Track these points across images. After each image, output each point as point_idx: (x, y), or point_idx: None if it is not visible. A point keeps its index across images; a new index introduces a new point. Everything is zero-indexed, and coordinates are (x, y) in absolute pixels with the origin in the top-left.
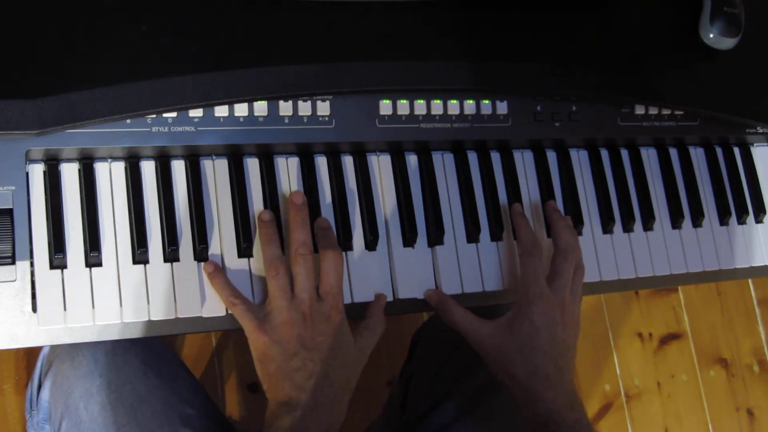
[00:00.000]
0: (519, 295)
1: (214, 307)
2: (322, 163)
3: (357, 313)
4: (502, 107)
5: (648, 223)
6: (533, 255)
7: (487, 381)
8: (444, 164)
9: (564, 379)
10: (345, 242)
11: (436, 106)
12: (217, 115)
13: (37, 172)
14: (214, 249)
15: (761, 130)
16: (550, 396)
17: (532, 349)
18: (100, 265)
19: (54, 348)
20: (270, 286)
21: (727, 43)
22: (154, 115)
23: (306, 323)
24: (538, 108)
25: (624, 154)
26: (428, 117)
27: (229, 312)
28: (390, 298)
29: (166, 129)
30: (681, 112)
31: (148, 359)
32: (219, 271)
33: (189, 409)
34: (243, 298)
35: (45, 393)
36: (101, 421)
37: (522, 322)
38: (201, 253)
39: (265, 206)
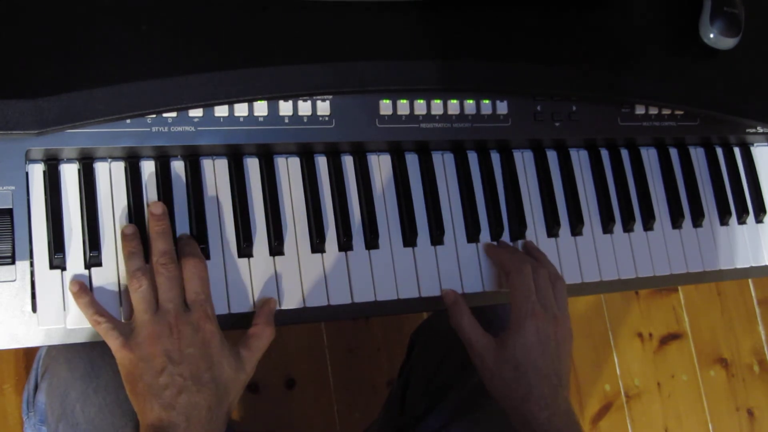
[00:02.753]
0: (511, 314)
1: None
2: (322, 163)
3: (359, 313)
4: (502, 107)
5: (648, 223)
6: (522, 272)
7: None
8: (444, 164)
9: (559, 399)
10: (345, 242)
11: (436, 106)
12: (217, 115)
13: (37, 172)
14: (213, 248)
15: (761, 130)
16: (546, 417)
17: (525, 369)
18: (99, 265)
19: (50, 349)
20: (133, 299)
21: (727, 43)
22: (154, 115)
23: (173, 335)
24: (538, 108)
25: (624, 154)
26: (428, 117)
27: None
28: (391, 297)
29: (166, 129)
30: (681, 112)
31: None
32: (83, 290)
33: None
34: (108, 316)
35: (41, 395)
36: (98, 423)
37: (515, 340)
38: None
39: (266, 206)
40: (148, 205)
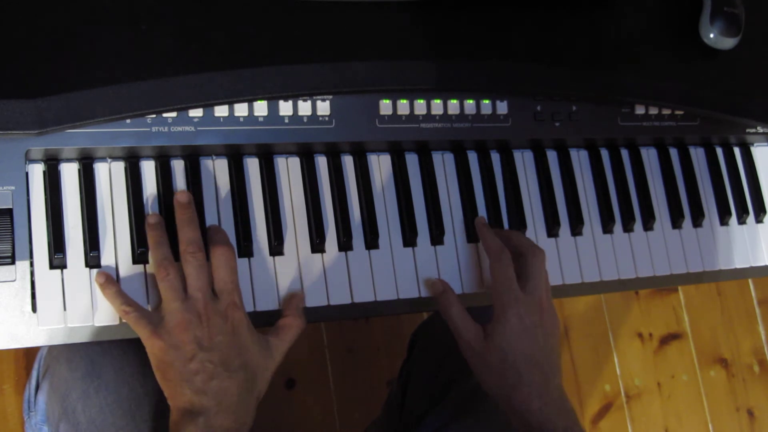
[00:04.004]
0: (493, 305)
1: None
2: (322, 163)
3: (359, 313)
4: (502, 107)
5: (648, 223)
6: (501, 260)
7: None
8: (444, 164)
9: (551, 386)
10: (345, 242)
11: (436, 106)
12: (217, 115)
13: (36, 172)
14: None
15: (761, 130)
16: (538, 406)
17: (514, 359)
18: (99, 265)
19: (51, 349)
20: (161, 288)
21: (727, 43)
22: (154, 115)
23: (202, 323)
24: (538, 108)
25: (624, 154)
26: (428, 117)
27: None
28: (391, 297)
29: (166, 129)
30: (681, 112)
31: (146, 360)
32: (110, 281)
33: None
34: (135, 305)
35: (42, 395)
36: (99, 423)
37: (501, 331)
38: None
39: (266, 207)
40: (174, 194)
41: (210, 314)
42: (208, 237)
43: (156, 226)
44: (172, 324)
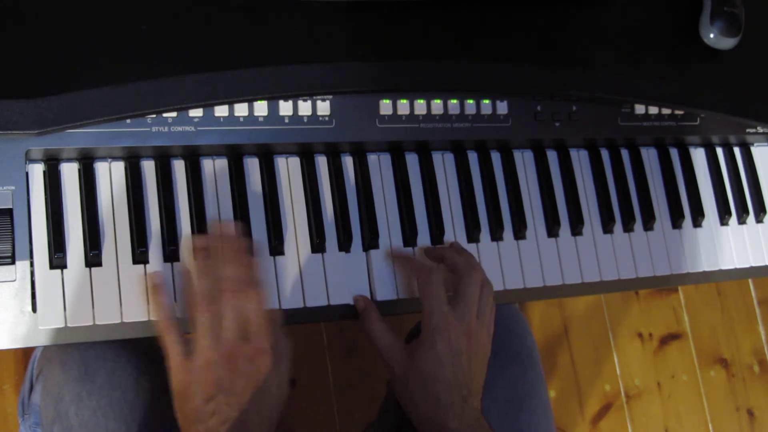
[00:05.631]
0: (422, 325)
1: None
2: (322, 163)
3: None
4: (502, 107)
5: (648, 222)
6: (430, 282)
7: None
8: (444, 164)
9: (468, 407)
10: (345, 242)
11: (436, 106)
12: (217, 115)
13: (37, 172)
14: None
15: (761, 130)
16: (455, 426)
17: (435, 382)
18: (100, 264)
19: (45, 351)
20: (197, 322)
21: (727, 43)
22: (154, 115)
23: (227, 366)
24: (538, 108)
25: (624, 154)
26: (428, 117)
27: None
28: (391, 297)
29: (166, 129)
30: (681, 112)
31: (140, 364)
32: (163, 289)
33: None
34: (176, 328)
35: (36, 397)
36: (92, 427)
37: (425, 354)
38: None
39: (266, 207)
40: (220, 223)
41: (237, 357)
42: (243, 271)
43: (204, 253)
44: (200, 361)
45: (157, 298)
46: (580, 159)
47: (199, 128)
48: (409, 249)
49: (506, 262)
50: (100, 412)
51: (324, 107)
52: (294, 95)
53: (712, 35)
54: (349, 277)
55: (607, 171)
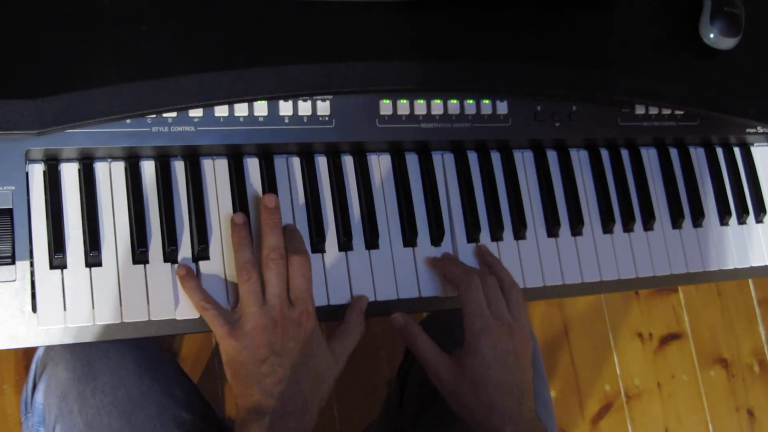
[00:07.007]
0: (465, 332)
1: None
2: (322, 163)
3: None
4: (502, 107)
5: (648, 223)
6: (470, 288)
7: None
8: (444, 164)
9: (523, 409)
10: (345, 242)
11: (436, 106)
12: (217, 115)
13: (37, 172)
14: (214, 248)
15: (761, 130)
16: (511, 429)
17: (485, 386)
18: (100, 265)
19: (48, 350)
20: (241, 291)
21: (727, 43)
22: (154, 115)
23: (276, 329)
24: (538, 108)
25: (624, 154)
26: (428, 117)
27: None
28: (391, 297)
29: (166, 129)
30: (681, 112)
31: (143, 362)
32: (191, 275)
33: (184, 412)
34: (214, 303)
35: (39, 395)
36: (95, 425)
37: (472, 359)
38: (200, 252)
39: None
40: (262, 198)
41: (285, 321)
42: (286, 242)
43: (242, 227)
44: (249, 326)
45: (186, 284)
46: (580, 159)
47: (199, 128)
48: (409, 249)
49: (506, 263)
50: (103, 410)
51: (324, 107)
52: (294, 95)
53: (712, 35)
54: (350, 277)
55: (607, 171)
